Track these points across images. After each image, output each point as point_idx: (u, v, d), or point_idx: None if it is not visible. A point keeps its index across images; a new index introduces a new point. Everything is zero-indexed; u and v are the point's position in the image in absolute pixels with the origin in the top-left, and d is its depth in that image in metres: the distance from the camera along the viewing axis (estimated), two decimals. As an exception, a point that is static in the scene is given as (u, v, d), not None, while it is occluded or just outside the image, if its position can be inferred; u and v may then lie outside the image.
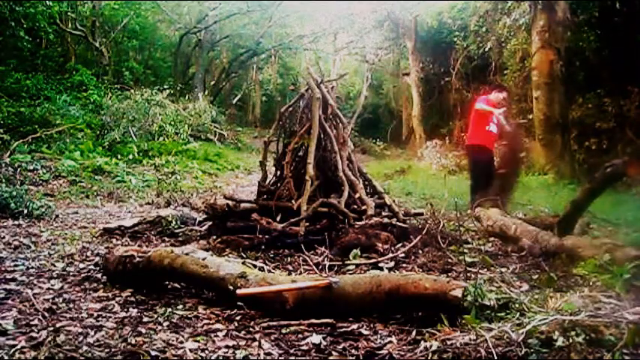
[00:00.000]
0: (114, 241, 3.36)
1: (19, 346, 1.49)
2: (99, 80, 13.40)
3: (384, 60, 18.62)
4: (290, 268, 2.63)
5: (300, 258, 2.76)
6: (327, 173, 3.60)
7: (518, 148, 4.97)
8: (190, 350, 1.52)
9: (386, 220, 3.18)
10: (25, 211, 4.16)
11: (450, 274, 2.49)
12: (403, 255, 2.80)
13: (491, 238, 3.51)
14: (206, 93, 17.13)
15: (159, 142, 10.12)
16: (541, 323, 1.35)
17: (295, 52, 23.17)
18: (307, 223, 3.12)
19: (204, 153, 10.73)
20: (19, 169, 6.03)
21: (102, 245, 3.19)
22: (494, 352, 1.28)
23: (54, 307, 1.92)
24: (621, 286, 1.93)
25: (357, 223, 3.03)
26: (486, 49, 12.13)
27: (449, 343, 1.40)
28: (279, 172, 3.79)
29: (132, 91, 11.68)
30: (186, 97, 14.94)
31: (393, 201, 3.68)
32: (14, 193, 4.30)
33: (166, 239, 3.43)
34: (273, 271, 2.41)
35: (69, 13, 14.03)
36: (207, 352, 1.53)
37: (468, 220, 4.33)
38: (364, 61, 19.46)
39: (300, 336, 1.66)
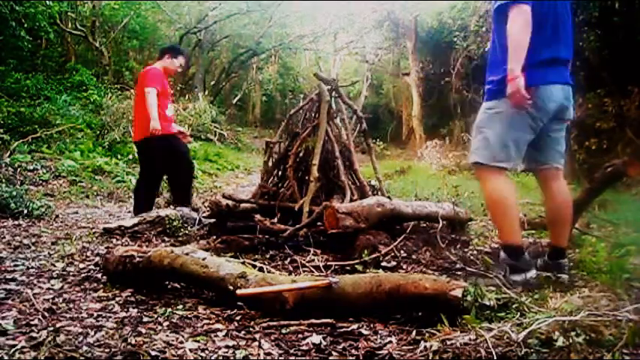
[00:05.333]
0: (114, 241, 3.36)
1: (19, 346, 1.49)
2: (99, 80, 13.40)
3: (384, 60, 18.62)
4: (290, 268, 2.63)
5: (300, 258, 2.76)
6: (329, 175, 3.60)
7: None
8: (190, 350, 1.52)
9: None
10: (25, 211, 4.16)
11: (449, 273, 2.50)
12: (405, 254, 2.81)
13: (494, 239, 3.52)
14: (206, 93, 17.13)
15: (159, 142, 10.10)
16: (541, 324, 1.35)
17: (295, 52, 23.18)
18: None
19: (204, 153, 10.73)
20: (19, 169, 6.04)
21: (102, 245, 3.20)
22: (493, 352, 1.28)
23: (54, 307, 1.92)
24: (621, 285, 1.93)
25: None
26: (486, 49, 12.12)
27: (449, 343, 1.40)
28: (280, 173, 3.79)
29: (132, 91, 11.68)
30: (186, 97, 14.94)
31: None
32: (14, 193, 4.30)
33: (166, 239, 3.43)
34: (273, 271, 2.41)
35: (69, 13, 14.03)
36: (207, 352, 1.53)
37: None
38: (364, 61, 19.47)
39: (300, 336, 1.66)
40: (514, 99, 2.24)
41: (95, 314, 1.86)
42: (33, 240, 3.33)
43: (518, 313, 1.57)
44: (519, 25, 2.26)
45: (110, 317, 1.83)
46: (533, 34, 2.25)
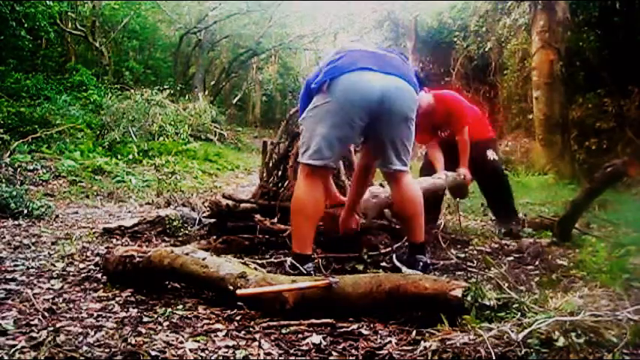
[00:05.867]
0: (114, 241, 3.36)
1: (19, 346, 1.49)
2: (99, 80, 13.42)
3: (384, 60, 18.54)
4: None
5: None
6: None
7: None
8: (190, 350, 1.52)
9: (385, 221, 3.18)
10: (25, 211, 4.16)
11: (450, 273, 2.50)
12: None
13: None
14: (206, 93, 17.14)
15: (159, 142, 10.13)
16: (541, 324, 1.35)
17: (295, 52, 23.20)
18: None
19: (204, 153, 10.73)
20: (19, 169, 6.04)
21: (102, 245, 3.19)
22: (493, 352, 1.28)
23: (54, 307, 1.92)
24: (621, 285, 1.93)
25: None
26: (486, 49, 12.14)
27: (448, 343, 1.40)
28: (280, 173, 3.79)
29: (132, 91, 11.69)
30: (186, 97, 14.95)
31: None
32: (14, 193, 4.29)
33: (166, 239, 3.43)
34: (273, 271, 2.41)
35: (69, 13, 14.06)
36: (207, 352, 1.53)
37: (469, 221, 4.35)
38: (364, 61, 19.42)
39: (300, 336, 1.66)
40: None
41: (95, 314, 1.86)
42: (33, 240, 3.33)
43: (519, 313, 1.57)
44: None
45: (110, 317, 1.83)
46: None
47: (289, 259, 2.40)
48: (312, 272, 2.27)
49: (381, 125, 2.32)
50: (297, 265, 2.30)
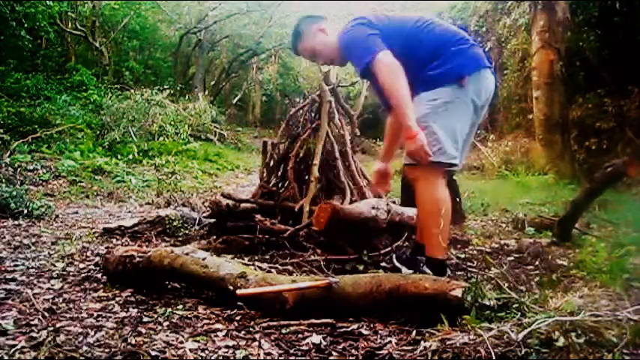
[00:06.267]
0: (114, 241, 3.36)
1: (19, 346, 1.49)
2: (99, 80, 13.43)
3: (384, 60, 18.54)
4: (290, 268, 2.63)
5: (301, 258, 2.76)
6: (329, 175, 3.59)
7: None
8: (190, 350, 1.52)
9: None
10: (25, 211, 4.16)
11: (450, 273, 2.50)
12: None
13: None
14: (206, 93, 17.14)
15: (159, 142, 10.14)
16: (541, 324, 1.35)
17: (295, 52, 23.14)
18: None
19: (204, 153, 10.74)
20: (19, 169, 6.04)
21: (102, 245, 3.19)
22: (493, 352, 1.28)
23: (54, 307, 1.92)
24: (621, 285, 1.93)
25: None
26: (486, 49, 12.14)
27: (448, 343, 1.40)
28: (280, 173, 3.79)
29: (132, 91, 11.70)
30: (186, 97, 14.96)
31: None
32: (14, 193, 4.30)
33: (166, 239, 3.43)
34: (273, 271, 2.41)
35: (69, 13, 14.06)
36: (207, 352, 1.53)
37: (469, 221, 4.35)
38: (364, 61, 19.42)
39: (300, 336, 1.66)
40: (418, 155, 2.08)
41: (95, 314, 1.86)
42: (33, 240, 3.33)
43: (519, 313, 1.57)
44: (386, 74, 2.11)
45: (110, 317, 1.83)
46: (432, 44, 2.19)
47: (425, 266, 2.22)
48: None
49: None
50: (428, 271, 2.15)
